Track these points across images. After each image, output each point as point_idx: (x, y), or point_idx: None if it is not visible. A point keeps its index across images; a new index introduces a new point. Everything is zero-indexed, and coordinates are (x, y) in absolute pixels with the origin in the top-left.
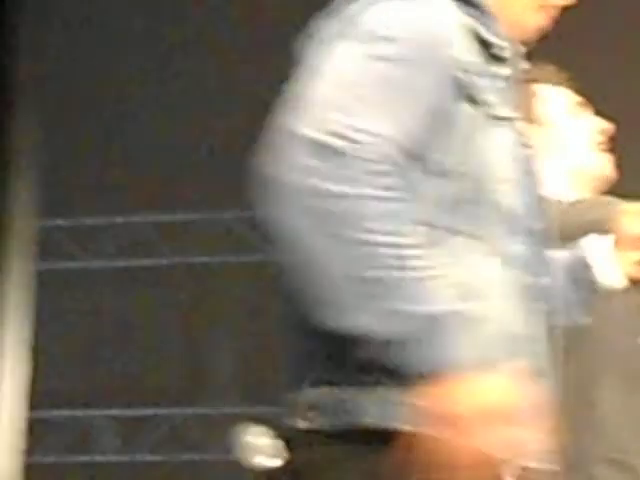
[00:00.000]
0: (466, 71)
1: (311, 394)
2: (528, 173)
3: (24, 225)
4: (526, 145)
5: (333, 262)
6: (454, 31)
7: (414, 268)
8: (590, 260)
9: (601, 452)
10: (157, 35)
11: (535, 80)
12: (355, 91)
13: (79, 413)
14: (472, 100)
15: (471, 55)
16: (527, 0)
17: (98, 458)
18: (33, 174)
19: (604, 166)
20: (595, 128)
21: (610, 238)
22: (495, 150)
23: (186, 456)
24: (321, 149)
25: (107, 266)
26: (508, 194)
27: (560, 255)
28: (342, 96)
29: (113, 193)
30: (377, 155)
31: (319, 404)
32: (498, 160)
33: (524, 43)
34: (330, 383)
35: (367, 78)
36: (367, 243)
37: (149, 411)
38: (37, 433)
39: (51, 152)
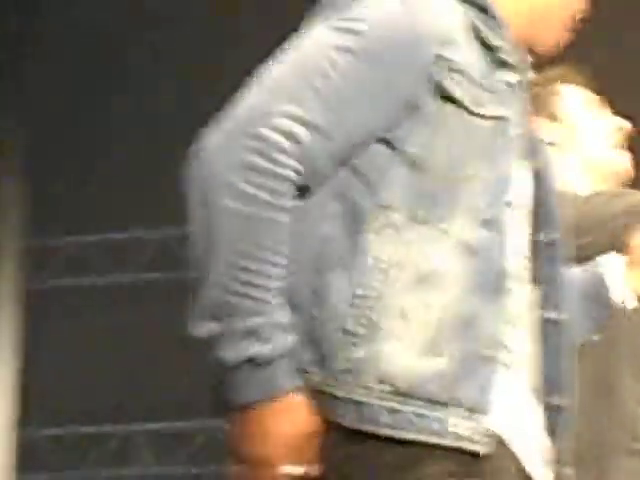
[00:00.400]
0: (450, 69)
1: None
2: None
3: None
4: (530, 148)
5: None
6: (445, 30)
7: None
8: (608, 279)
9: (622, 442)
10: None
11: (556, 79)
12: (311, 81)
13: (109, 428)
14: (450, 98)
15: (463, 55)
16: (555, 16)
17: (131, 471)
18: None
19: (622, 163)
20: (614, 126)
21: (622, 258)
22: (469, 148)
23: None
24: (259, 142)
25: (126, 281)
26: (473, 191)
27: (576, 271)
28: (297, 85)
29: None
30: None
31: None
32: (469, 158)
33: (542, 55)
34: None
35: (328, 69)
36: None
37: (181, 424)
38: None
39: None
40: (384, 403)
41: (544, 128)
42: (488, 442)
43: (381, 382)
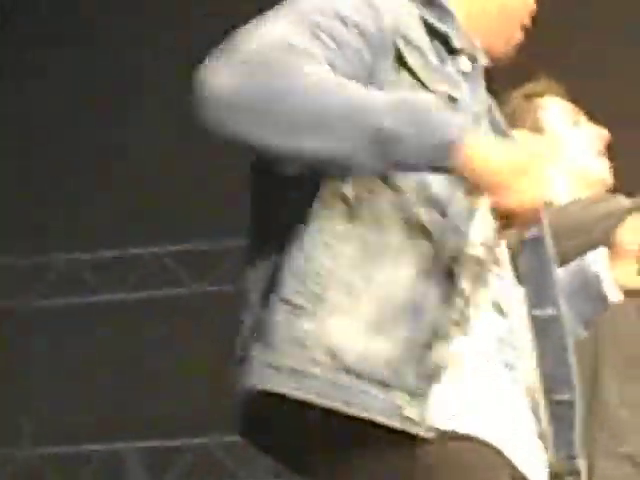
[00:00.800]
0: (408, 43)
1: None
2: None
3: None
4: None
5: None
6: (403, 14)
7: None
8: (601, 274)
9: (610, 446)
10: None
11: (535, 92)
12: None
13: (106, 446)
14: (408, 68)
15: (418, 39)
16: (508, 18)
17: None
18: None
19: (603, 171)
20: (593, 135)
21: (605, 251)
22: None
23: None
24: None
25: (126, 298)
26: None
27: (561, 271)
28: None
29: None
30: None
31: None
32: None
33: (503, 58)
34: None
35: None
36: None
37: (177, 442)
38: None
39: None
40: (330, 376)
41: (527, 139)
42: (430, 428)
43: (329, 356)
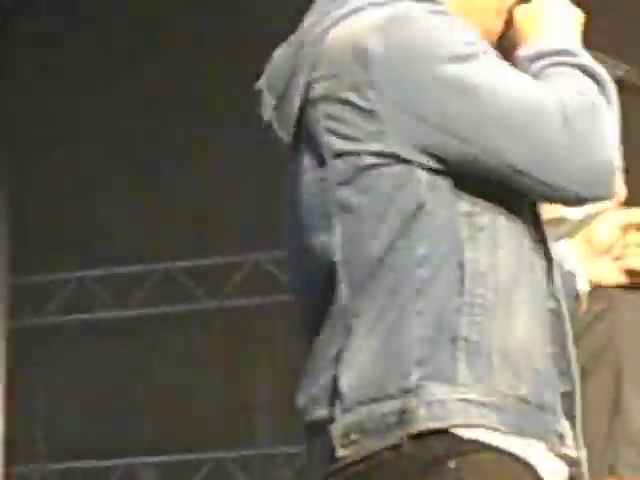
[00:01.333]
0: None
1: (349, 417)
2: None
3: None
4: None
5: None
6: None
7: None
8: (571, 267)
9: (638, 462)
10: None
11: None
12: None
13: (118, 462)
14: None
15: None
16: (488, 6)
17: None
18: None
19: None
20: None
21: (575, 246)
22: None
23: None
24: None
25: (139, 313)
26: None
27: None
28: None
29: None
30: None
31: (361, 425)
32: None
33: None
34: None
35: None
36: None
37: (190, 456)
38: None
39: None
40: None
41: None
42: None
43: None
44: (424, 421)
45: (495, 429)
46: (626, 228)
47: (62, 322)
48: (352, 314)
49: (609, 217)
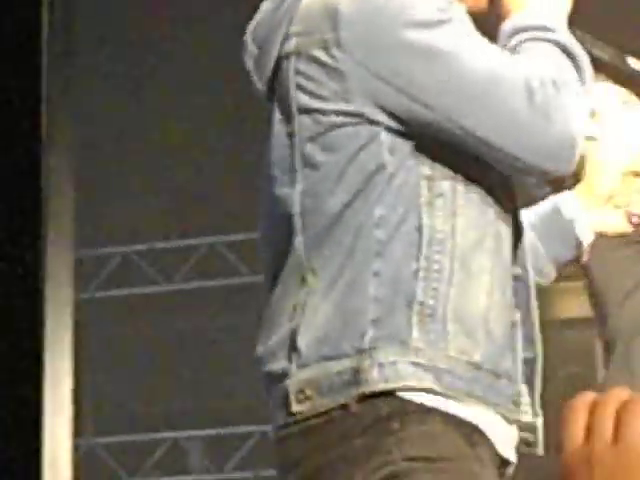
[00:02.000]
0: None
1: (305, 373)
2: None
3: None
4: None
5: None
6: None
7: None
8: (575, 219)
9: None
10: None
11: None
12: None
13: (165, 435)
14: None
15: None
16: None
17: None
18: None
19: None
20: None
21: (576, 195)
22: None
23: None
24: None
25: (184, 288)
26: None
27: (540, 211)
28: None
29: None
30: None
31: (316, 382)
32: None
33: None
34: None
35: None
36: None
37: (236, 429)
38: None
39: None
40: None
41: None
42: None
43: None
44: (375, 382)
45: (444, 394)
46: (627, 176)
47: (110, 296)
48: (309, 269)
49: (609, 165)
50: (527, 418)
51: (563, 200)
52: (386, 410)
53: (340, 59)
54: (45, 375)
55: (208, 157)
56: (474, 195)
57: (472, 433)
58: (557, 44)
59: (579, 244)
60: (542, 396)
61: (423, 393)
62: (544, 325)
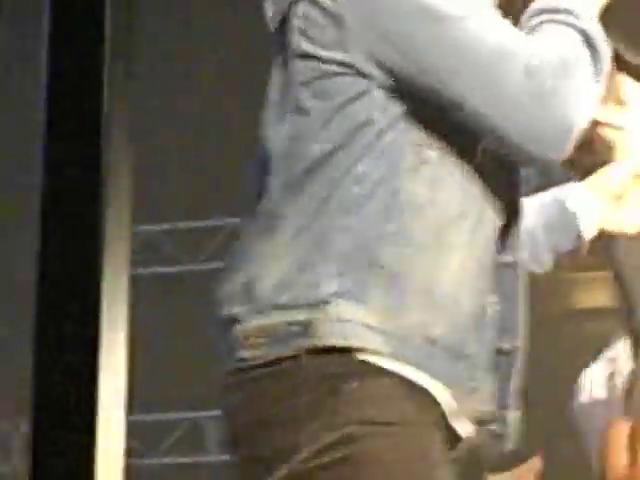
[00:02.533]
0: None
1: (259, 320)
2: None
3: (119, 230)
4: None
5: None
6: None
7: None
8: (578, 213)
9: None
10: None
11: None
12: None
13: (183, 415)
14: None
15: None
16: None
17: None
18: (126, 180)
19: None
20: None
21: (586, 188)
22: None
23: None
24: None
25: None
26: None
27: (545, 200)
28: None
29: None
30: None
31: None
32: None
33: None
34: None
35: None
36: None
37: None
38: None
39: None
40: None
41: (612, 113)
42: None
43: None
44: (326, 337)
45: (395, 358)
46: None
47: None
48: (280, 215)
49: (621, 166)
50: (485, 407)
51: (571, 190)
52: (338, 368)
53: (341, 4)
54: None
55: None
56: (461, 170)
57: (426, 400)
58: (579, 31)
59: (580, 237)
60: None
61: (375, 355)
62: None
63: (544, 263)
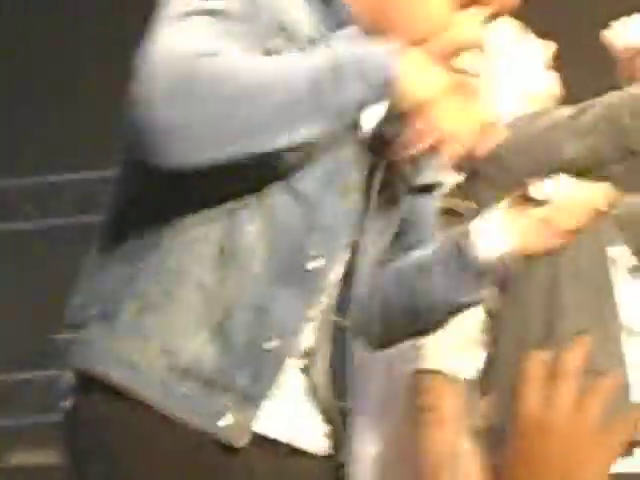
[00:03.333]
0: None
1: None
2: None
3: None
4: None
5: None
6: None
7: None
8: (476, 237)
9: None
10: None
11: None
12: None
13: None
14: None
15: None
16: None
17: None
18: None
19: (551, 84)
20: (539, 49)
21: (507, 204)
22: None
23: None
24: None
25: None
26: None
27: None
28: None
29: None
30: None
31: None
32: None
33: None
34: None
35: None
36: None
37: None
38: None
39: None
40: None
41: (468, 60)
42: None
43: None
44: (74, 357)
45: (130, 383)
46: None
47: None
48: (103, 239)
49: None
50: (229, 435)
51: (482, 218)
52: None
53: None
54: None
55: None
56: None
57: (160, 420)
58: (332, 59)
59: (478, 262)
60: None
61: (109, 377)
62: None
63: (458, 296)
